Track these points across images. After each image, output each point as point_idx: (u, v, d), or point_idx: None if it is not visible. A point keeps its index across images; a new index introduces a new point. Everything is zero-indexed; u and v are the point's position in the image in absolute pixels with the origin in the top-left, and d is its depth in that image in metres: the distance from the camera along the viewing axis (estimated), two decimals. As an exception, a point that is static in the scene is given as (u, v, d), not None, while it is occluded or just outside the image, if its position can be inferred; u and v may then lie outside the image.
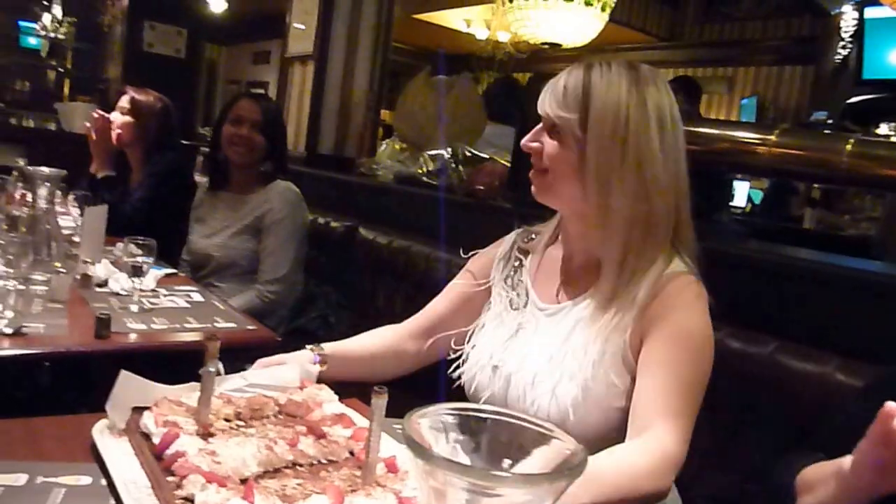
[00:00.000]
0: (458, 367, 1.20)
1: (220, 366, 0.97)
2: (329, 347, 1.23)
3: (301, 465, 0.87)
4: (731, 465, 1.28)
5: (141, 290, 1.63)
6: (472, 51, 8.28)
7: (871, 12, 4.65)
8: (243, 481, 0.79)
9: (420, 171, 2.57)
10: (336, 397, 1.06)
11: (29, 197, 2.09)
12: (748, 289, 1.43)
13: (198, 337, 1.50)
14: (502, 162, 2.40)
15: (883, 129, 3.82)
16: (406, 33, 7.90)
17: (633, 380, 1.03)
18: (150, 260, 1.59)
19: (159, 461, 0.82)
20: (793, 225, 4.29)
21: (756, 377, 1.26)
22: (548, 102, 1.09)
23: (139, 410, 0.92)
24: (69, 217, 2.24)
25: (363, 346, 1.29)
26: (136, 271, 1.58)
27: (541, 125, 1.12)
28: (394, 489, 0.81)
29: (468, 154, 2.49)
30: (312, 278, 2.38)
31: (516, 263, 1.24)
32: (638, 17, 7.66)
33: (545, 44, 4.44)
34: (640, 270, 1.06)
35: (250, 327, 1.61)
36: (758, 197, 5.48)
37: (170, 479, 0.78)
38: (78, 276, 1.72)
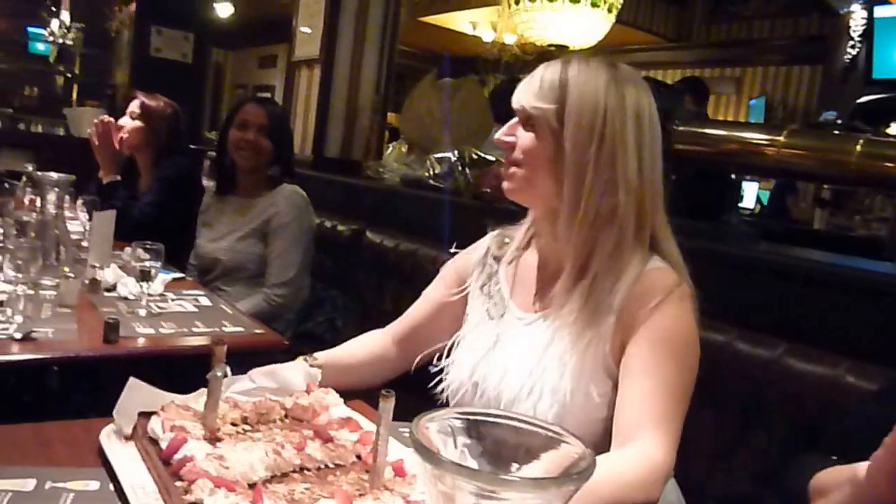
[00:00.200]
0: (439, 381, 1.16)
1: (228, 370, 0.97)
2: (321, 357, 1.20)
3: (308, 470, 0.87)
4: (739, 467, 1.27)
5: (149, 295, 1.64)
6: (478, 53, 8.30)
7: (880, 11, 4.62)
8: (251, 486, 0.79)
9: (426, 174, 2.57)
10: (342, 401, 1.05)
11: (38, 202, 2.11)
12: (757, 291, 1.42)
13: (205, 341, 1.50)
14: (509, 164, 2.39)
15: (893, 128, 3.79)
16: (412, 36, 7.89)
17: (616, 386, 1.00)
18: (158, 264, 1.60)
19: (167, 466, 0.82)
20: (802, 226, 4.27)
21: (765, 380, 1.25)
22: (524, 94, 1.06)
23: (146, 415, 0.92)
24: (78, 222, 2.25)
25: (351, 354, 1.26)
26: (145, 276, 1.59)
27: (515, 120, 1.09)
28: (402, 493, 0.80)
29: (475, 157, 2.49)
30: (319, 282, 2.38)
31: (492, 270, 1.21)
32: (645, 18, 7.65)
33: (552, 46, 4.44)
34: (612, 273, 1.03)
35: (258, 331, 1.61)
36: (766, 198, 5.46)
37: (178, 484, 0.78)
38: (86, 281, 1.73)
